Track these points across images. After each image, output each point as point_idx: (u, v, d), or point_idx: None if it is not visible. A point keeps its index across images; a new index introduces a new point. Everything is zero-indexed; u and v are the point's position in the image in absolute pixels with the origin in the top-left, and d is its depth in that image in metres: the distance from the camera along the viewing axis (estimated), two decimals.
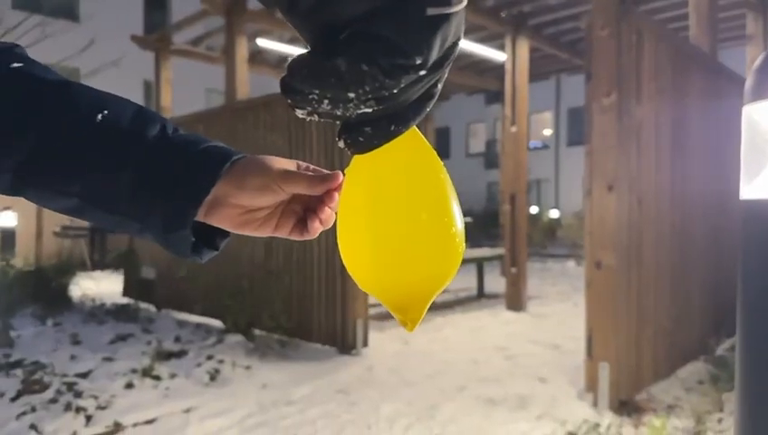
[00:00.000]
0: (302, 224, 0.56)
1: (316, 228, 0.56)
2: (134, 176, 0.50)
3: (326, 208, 0.55)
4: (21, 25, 6.12)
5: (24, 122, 0.49)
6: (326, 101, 0.40)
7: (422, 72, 0.40)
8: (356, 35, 0.38)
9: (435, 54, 0.39)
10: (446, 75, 0.43)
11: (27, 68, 0.52)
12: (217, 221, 0.54)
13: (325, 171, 0.55)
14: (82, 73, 9.72)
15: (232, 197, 0.53)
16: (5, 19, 7.42)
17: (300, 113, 0.42)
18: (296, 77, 0.40)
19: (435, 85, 0.43)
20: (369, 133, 0.43)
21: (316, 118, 0.42)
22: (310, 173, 0.54)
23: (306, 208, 0.56)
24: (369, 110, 0.41)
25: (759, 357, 0.67)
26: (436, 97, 0.44)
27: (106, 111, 0.51)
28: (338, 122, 0.44)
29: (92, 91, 0.53)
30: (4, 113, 0.49)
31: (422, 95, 0.43)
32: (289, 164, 0.55)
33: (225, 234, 0.58)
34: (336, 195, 0.54)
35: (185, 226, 0.51)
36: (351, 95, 0.40)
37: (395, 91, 0.40)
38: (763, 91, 0.68)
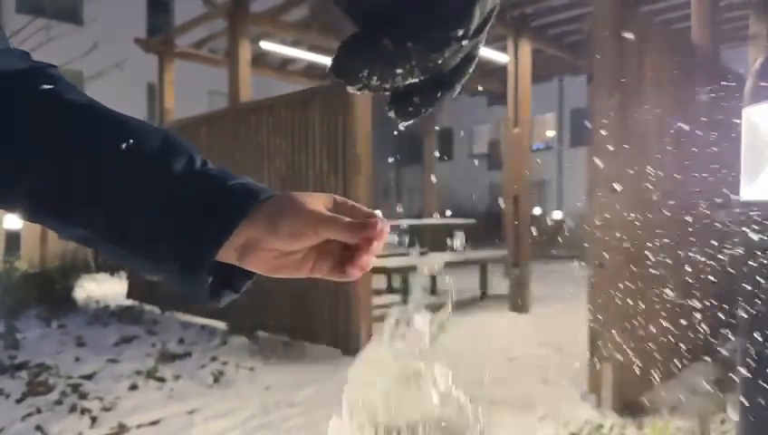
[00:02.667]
0: (341, 265, 0.52)
1: (355, 274, 0.52)
2: (152, 212, 0.48)
3: (364, 255, 0.51)
4: (24, 29, 6.15)
5: (43, 148, 0.48)
6: (375, 78, 0.42)
7: (464, 42, 0.41)
8: (399, 13, 0.40)
9: (475, 23, 0.41)
10: (485, 36, 0.45)
11: (57, 90, 0.50)
12: (252, 265, 0.52)
13: (365, 210, 0.52)
14: (86, 76, 9.75)
15: (264, 241, 0.49)
16: (9, 23, 7.45)
17: (350, 89, 0.43)
18: (346, 59, 0.42)
19: (476, 47, 0.45)
20: (417, 102, 0.45)
21: (367, 92, 0.44)
22: (346, 219, 0.49)
23: (344, 248, 0.52)
24: (416, 80, 0.43)
25: (760, 357, 0.68)
26: (477, 58, 0.46)
27: (131, 141, 0.48)
28: (386, 93, 0.45)
29: (119, 118, 0.50)
30: (27, 136, 0.48)
31: (464, 58, 0.44)
32: (324, 202, 0.51)
33: (248, 275, 0.55)
34: (375, 242, 0.50)
35: (201, 268, 0.48)
36: (399, 71, 0.42)
37: (440, 61, 0.42)
38: (762, 93, 0.69)
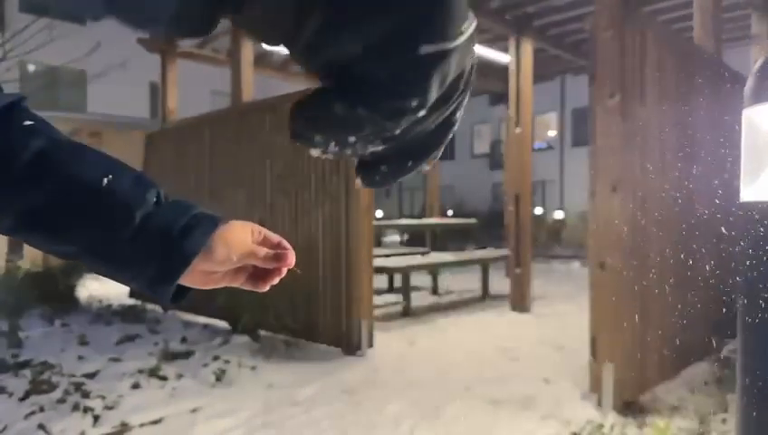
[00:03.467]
0: (254, 278, 0.64)
1: (264, 288, 0.64)
2: (134, 236, 0.56)
3: (274, 276, 0.64)
4: (28, 28, 6.17)
5: (36, 178, 0.54)
6: (332, 144, 0.40)
7: (422, 113, 0.38)
8: (352, 78, 0.37)
9: (434, 94, 0.37)
10: (465, 101, 0.42)
11: (39, 126, 0.56)
12: (186, 281, 0.61)
13: (275, 240, 0.64)
14: (89, 75, 9.77)
15: (201, 266, 0.59)
16: (12, 22, 7.48)
17: (313, 152, 0.42)
18: (299, 123, 0.41)
19: (452, 114, 0.42)
20: (385, 172, 0.43)
21: (331, 156, 0.42)
22: (265, 250, 0.62)
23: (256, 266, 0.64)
24: (379, 148, 0.41)
25: (760, 359, 0.68)
26: (457, 125, 0.43)
27: (111, 176, 0.57)
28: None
29: (99, 155, 0.59)
30: (19, 167, 0.53)
31: (439, 125, 0.41)
32: (249, 231, 0.63)
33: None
34: (284, 269, 0.63)
35: (173, 282, 0.58)
36: (353, 139, 0.39)
37: (397, 131, 0.39)
38: (762, 94, 0.69)
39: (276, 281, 0.64)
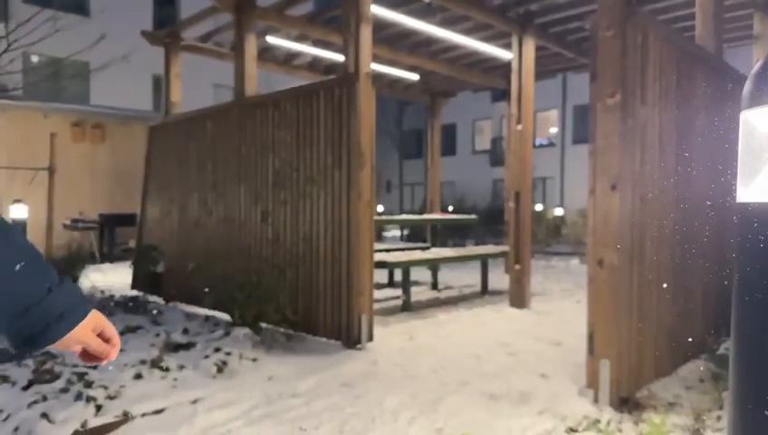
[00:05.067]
0: (87, 355, 0.90)
1: (93, 364, 0.94)
2: (25, 312, 0.78)
3: (102, 360, 0.90)
4: (32, 20, 6.17)
5: None
6: None
7: None
8: None
9: None
10: None
11: None
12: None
13: (108, 333, 0.90)
14: (92, 68, 9.78)
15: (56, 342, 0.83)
16: (17, 13, 7.48)
17: None
18: None
19: None
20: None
21: None
22: (97, 342, 0.88)
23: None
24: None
25: (753, 357, 0.70)
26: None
27: (23, 263, 0.78)
28: None
29: (20, 242, 0.80)
30: None
31: None
32: (89, 328, 0.87)
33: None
34: (105, 361, 0.91)
35: (37, 350, 0.82)
36: None
37: None
38: (760, 96, 0.71)
39: (100, 363, 0.91)
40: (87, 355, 0.89)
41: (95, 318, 0.88)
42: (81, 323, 0.84)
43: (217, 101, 14.54)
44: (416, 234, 14.08)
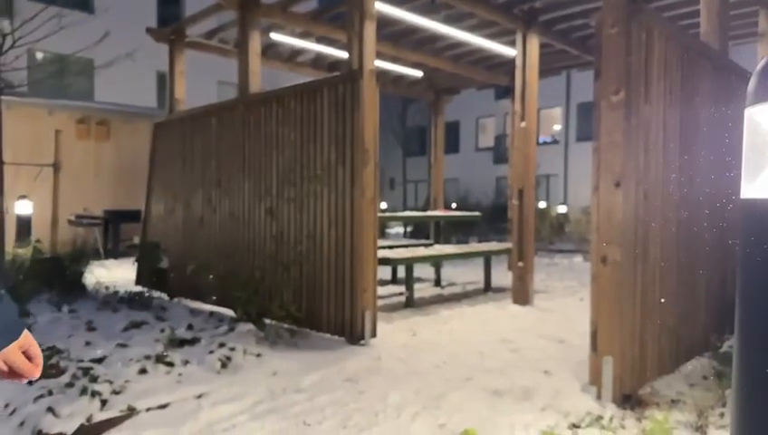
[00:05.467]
0: (12, 372, 0.92)
1: (17, 380, 0.94)
2: None
3: (24, 378, 0.93)
4: (37, 17, 6.20)
5: None
6: None
7: None
8: None
9: None
10: None
11: None
12: None
13: (33, 353, 0.94)
14: (97, 65, 9.80)
15: None
16: (22, 10, 7.50)
17: None
18: None
19: None
20: None
21: None
22: (22, 361, 0.92)
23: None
24: None
25: (757, 354, 0.71)
26: None
27: None
28: None
29: None
30: None
31: None
32: (17, 348, 0.92)
33: None
34: (25, 379, 0.94)
35: None
36: None
37: None
38: (765, 93, 0.71)
39: (20, 381, 0.94)
40: (10, 373, 0.92)
41: (25, 337, 0.93)
42: (14, 342, 0.89)
43: (222, 98, 14.56)
44: (419, 231, 14.09)
